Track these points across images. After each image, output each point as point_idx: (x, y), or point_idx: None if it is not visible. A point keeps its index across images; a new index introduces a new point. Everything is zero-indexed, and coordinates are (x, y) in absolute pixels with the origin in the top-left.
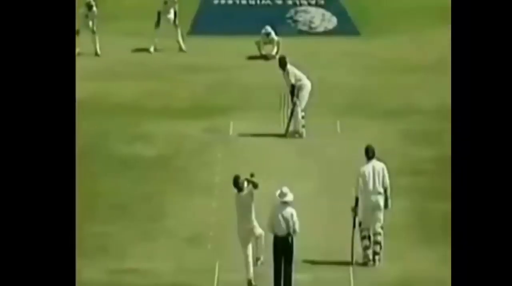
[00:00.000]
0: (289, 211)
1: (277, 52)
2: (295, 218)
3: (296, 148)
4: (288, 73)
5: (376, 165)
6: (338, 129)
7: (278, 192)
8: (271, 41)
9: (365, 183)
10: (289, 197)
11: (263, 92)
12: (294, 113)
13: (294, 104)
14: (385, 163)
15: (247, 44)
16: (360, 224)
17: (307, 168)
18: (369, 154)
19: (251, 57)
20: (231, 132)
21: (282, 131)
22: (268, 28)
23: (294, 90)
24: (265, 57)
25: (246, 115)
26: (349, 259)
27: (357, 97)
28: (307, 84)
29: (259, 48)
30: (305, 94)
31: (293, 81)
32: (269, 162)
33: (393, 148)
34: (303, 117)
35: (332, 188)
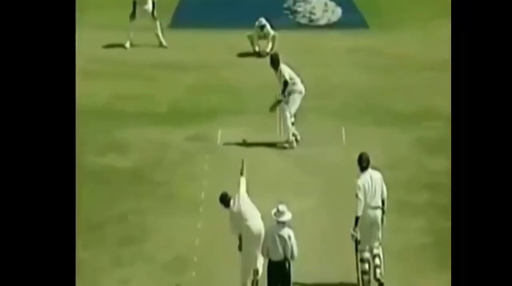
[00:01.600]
0: (286, 232)
1: (272, 49)
2: (293, 240)
3: (294, 159)
4: (280, 72)
5: (374, 175)
6: (343, 137)
7: (273, 211)
8: (266, 35)
9: (364, 196)
10: (286, 216)
11: (256, 94)
12: (282, 117)
13: (278, 101)
14: (395, 175)
15: (238, 39)
16: (357, 244)
17: (307, 182)
18: (364, 163)
19: (242, 54)
20: (219, 141)
21: (278, 139)
22: (263, 20)
23: (286, 88)
24: (259, 54)
25: (236, 121)
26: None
27: (364, 100)
28: (301, 89)
29: (252, 43)
30: (296, 98)
31: (287, 77)
32: (263, 175)
33: (406, 158)
34: (293, 123)
35: (336, 204)
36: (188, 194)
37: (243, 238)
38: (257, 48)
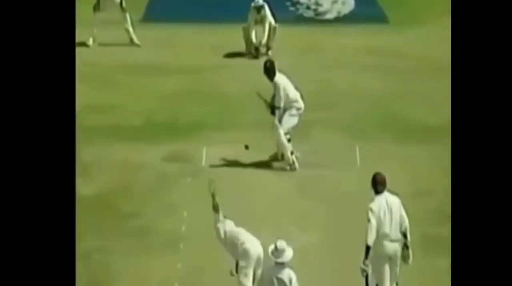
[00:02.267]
0: (287, 274)
1: (268, 41)
2: (294, 283)
3: (296, 183)
4: (277, 88)
5: (391, 199)
6: (357, 157)
7: (271, 248)
8: (262, 19)
9: (378, 224)
10: (287, 256)
11: (249, 104)
12: (275, 134)
13: (269, 105)
14: (419, 203)
15: (227, 36)
16: (367, 281)
17: (312, 212)
18: (379, 185)
19: (233, 55)
20: (204, 161)
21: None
22: (260, 0)
23: (276, 110)
24: (256, 50)
25: (225, 137)
26: None
27: (382, 111)
28: (300, 106)
29: (246, 41)
30: (293, 116)
31: (281, 94)
32: (258, 203)
33: (432, 181)
34: (289, 140)
35: (346, 239)
36: (165, 227)
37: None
38: (254, 39)
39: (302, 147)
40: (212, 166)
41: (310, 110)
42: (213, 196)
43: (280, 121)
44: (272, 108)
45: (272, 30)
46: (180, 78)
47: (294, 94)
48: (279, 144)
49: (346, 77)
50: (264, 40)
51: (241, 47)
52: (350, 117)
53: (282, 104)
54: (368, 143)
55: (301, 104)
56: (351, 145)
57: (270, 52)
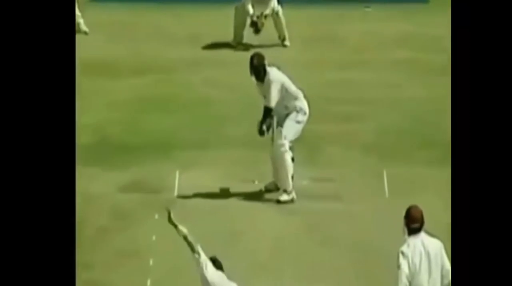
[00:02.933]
0: None
1: (279, 28)
2: None
3: (301, 223)
4: (268, 86)
5: (429, 242)
6: (385, 186)
7: None
8: None
9: (411, 274)
10: None
11: (235, 114)
12: (276, 152)
13: (261, 131)
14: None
15: (207, 21)
16: None
17: (323, 259)
18: (413, 222)
19: (215, 46)
20: (175, 191)
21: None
22: None
23: (267, 118)
24: (256, 28)
25: (203, 158)
26: None
27: (419, 124)
28: (303, 106)
29: (238, 20)
30: (299, 121)
31: (272, 104)
32: (249, 251)
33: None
34: (293, 159)
35: None
36: (125, 282)
37: None
38: (250, 10)
39: (310, 171)
40: (186, 197)
41: (322, 121)
42: (178, 230)
43: (281, 126)
44: (262, 122)
45: (275, 15)
46: (142, 79)
47: (295, 91)
48: (280, 164)
49: (370, 77)
50: (267, 11)
51: (227, 35)
52: (376, 131)
53: (272, 104)
54: (399, 166)
55: (304, 104)
56: (377, 169)
57: (287, 42)
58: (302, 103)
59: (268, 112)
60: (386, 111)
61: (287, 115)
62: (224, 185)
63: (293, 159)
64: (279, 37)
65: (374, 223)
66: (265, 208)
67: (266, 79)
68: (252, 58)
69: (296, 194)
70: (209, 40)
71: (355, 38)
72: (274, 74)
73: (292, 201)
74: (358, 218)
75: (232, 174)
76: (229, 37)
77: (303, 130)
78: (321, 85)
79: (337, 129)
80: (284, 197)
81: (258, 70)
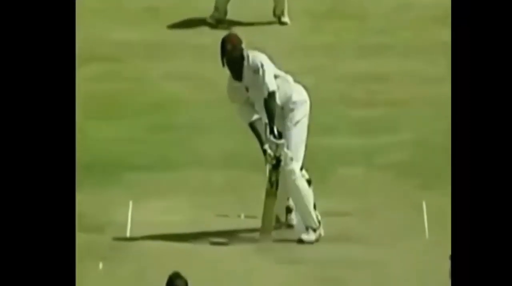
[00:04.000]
0: None
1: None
2: None
3: (307, 274)
4: (253, 73)
5: None
6: (425, 222)
7: None
8: None
9: None
10: None
11: (213, 119)
12: (288, 178)
13: (264, 151)
14: None
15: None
16: None
17: None
18: None
19: (187, 23)
20: (128, 229)
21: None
22: None
23: (273, 120)
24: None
25: (168, 182)
26: None
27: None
28: (299, 98)
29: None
30: (303, 124)
31: (270, 88)
32: None
33: None
34: (309, 182)
35: None
36: None
37: None
38: None
39: (321, 202)
40: (143, 238)
41: (336, 131)
42: None
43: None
44: (271, 129)
45: None
46: (80, 72)
47: (285, 79)
48: (295, 196)
49: (402, 68)
50: None
51: (203, 9)
52: (411, 145)
53: (270, 88)
54: (445, 195)
55: (301, 92)
56: (414, 198)
57: (286, 18)
58: (298, 92)
59: (272, 104)
60: (426, 117)
61: (282, 119)
62: (196, 220)
63: (309, 182)
64: (275, 11)
65: (409, 275)
66: (255, 254)
67: (247, 66)
68: (224, 42)
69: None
70: (175, 16)
71: (380, 12)
72: (258, 55)
73: (317, 240)
74: (387, 267)
75: (208, 204)
76: (205, 11)
77: (309, 146)
78: (334, 81)
79: (358, 142)
80: (310, 236)
81: (234, 59)
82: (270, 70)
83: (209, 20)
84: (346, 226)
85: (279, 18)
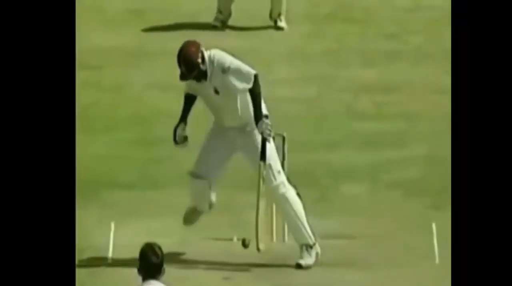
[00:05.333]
0: None
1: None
2: None
3: None
4: (222, 71)
5: None
6: (435, 244)
7: None
8: None
9: None
10: None
11: (203, 132)
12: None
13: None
14: None
15: None
16: None
17: None
18: None
19: (182, 28)
20: (110, 253)
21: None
22: None
23: (261, 98)
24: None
25: (153, 201)
26: None
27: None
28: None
29: None
30: (272, 139)
31: (252, 72)
32: None
33: None
34: (298, 196)
35: None
36: None
37: None
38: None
39: (321, 224)
40: (127, 263)
41: (339, 145)
42: None
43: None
44: (256, 111)
45: None
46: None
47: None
48: (285, 212)
49: (414, 76)
50: None
51: (189, 14)
52: (422, 161)
53: (240, 86)
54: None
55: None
56: (423, 219)
57: (282, 23)
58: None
59: (259, 87)
60: (438, 131)
61: (247, 133)
62: (184, 243)
63: (299, 196)
64: (271, 14)
65: None
66: (251, 281)
67: (214, 68)
68: (179, 61)
69: (296, 258)
70: (159, 20)
71: (388, 14)
72: (222, 54)
73: (317, 258)
74: None
75: (196, 226)
76: (191, 15)
77: (309, 162)
78: (337, 91)
79: (363, 158)
80: (307, 260)
81: (191, 65)
82: (240, 63)
83: (214, 23)
84: (349, 250)
85: (275, 22)
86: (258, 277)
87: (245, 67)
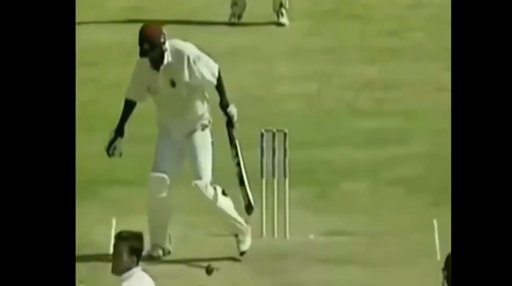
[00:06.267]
0: None
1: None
2: None
3: None
4: (183, 62)
5: None
6: (437, 245)
7: None
8: None
9: None
10: None
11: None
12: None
13: (235, 149)
14: None
15: None
16: None
17: None
18: None
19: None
20: (111, 253)
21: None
22: None
23: (227, 108)
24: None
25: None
26: None
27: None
28: (209, 116)
29: None
30: (211, 146)
31: (216, 66)
32: None
33: None
34: (223, 193)
35: None
36: None
37: None
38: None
39: (322, 220)
40: None
41: (341, 143)
42: None
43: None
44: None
45: None
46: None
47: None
48: (215, 211)
49: (417, 74)
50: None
51: (191, 11)
52: (424, 158)
53: (202, 77)
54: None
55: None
56: (424, 216)
57: (284, 19)
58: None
59: (222, 79)
60: (439, 128)
61: (188, 134)
62: (185, 239)
63: (224, 192)
64: (274, 6)
65: None
66: (250, 278)
67: (173, 58)
68: (140, 38)
69: (299, 255)
70: (160, 16)
71: (389, 11)
72: (184, 45)
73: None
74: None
75: (197, 223)
76: (193, 12)
77: (309, 158)
78: (338, 88)
79: (364, 155)
80: (247, 243)
81: (153, 57)
82: (202, 55)
83: (232, 20)
84: (350, 247)
85: (278, 15)
86: (259, 274)
87: (210, 59)
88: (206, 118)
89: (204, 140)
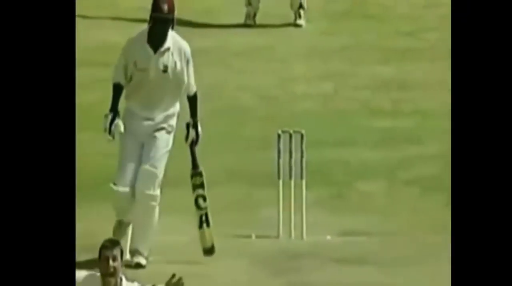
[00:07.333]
0: None
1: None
2: None
3: None
4: (181, 57)
5: None
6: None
7: None
8: None
9: None
10: None
11: (220, 135)
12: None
13: (191, 143)
14: None
15: None
16: None
17: None
18: None
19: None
20: (127, 254)
21: None
22: None
23: (194, 106)
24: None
25: (174, 196)
26: None
27: None
28: (175, 122)
29: None
30: (168, 152)
31: (195, 88)
32: None
33: None
34: (204, 198)
35: None
36: None
37: None
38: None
39: (338, 221)
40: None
41: (357, 142)
42: None
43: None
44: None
45: None
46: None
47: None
48: (143, 222)
49: (433, 75)
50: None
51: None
52: (442, 158)
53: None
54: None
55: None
56: (442, 218)
57: (301, 20)
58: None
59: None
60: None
61: (153, 131)
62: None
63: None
64: (292, 6)
65: None
66: (265, 278)
67: (173, 45)
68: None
69: (316, 255)
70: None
71: (405, 11)
72: (185, 43)
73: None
74: None
75: (214, 222)
76: (202, 11)
77: (325, 159)
78: (354, 88)
79: (380, 155)
80: (141, 259)
81: (166, 23)
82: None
83: (248, 22)
84: (365, 247)
85: (295, 16)
86: (276, 274)
87: (192, 74)
88: (174, 121)
89: (166, 144)
